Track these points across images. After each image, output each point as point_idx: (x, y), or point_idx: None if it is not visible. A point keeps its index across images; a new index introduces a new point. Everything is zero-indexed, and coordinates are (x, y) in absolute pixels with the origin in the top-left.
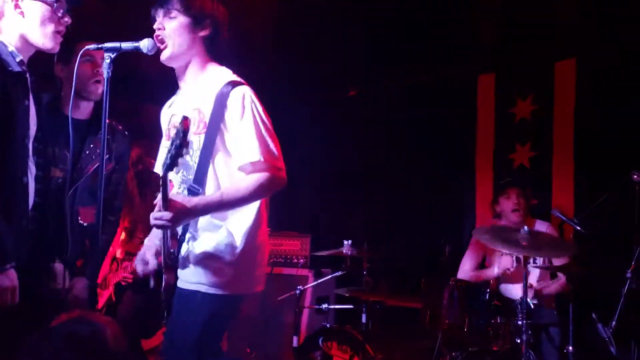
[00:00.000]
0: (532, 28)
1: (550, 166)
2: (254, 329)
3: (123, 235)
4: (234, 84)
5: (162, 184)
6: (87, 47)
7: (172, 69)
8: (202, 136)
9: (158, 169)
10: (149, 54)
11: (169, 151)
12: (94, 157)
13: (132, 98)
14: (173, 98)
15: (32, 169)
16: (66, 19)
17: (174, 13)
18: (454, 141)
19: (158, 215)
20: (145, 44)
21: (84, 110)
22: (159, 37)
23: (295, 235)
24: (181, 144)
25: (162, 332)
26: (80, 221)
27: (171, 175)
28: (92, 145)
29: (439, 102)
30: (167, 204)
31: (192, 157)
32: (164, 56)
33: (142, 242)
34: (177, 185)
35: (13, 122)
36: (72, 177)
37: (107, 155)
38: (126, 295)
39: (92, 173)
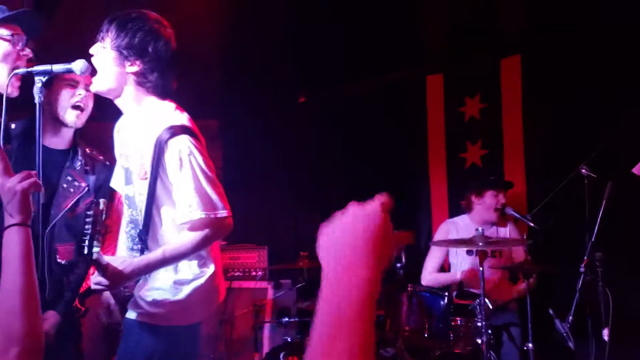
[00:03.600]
0: (476, 27)
1: (501, 163)
2: (215, 346)
3: None
4: (173, 132)
5: (93, 262)
6: (15, 71)
7: None
8: (146, 182)
9: (84, 248)
10: (82, 75)
11: (84, 235)
12: (72, 190)
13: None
14: (120, 122)
15: None
16: (26, 52)
17: (106, 42)
18: (407, 143)
19: (97, 280)
20: (77, 66)
21: (63, 138)
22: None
23: (251, 247)
24: (93, 233)
25: None
26: (58, 260)
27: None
28: (69, 178)
29: (389, 104)
30: (105, 271)
31: (140, 200)
32: (92, 87)
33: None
34: (126, 223)
35: None
36: (49, 212)
37: (87, 188)
38: (89, 316)
39: (69, 208)
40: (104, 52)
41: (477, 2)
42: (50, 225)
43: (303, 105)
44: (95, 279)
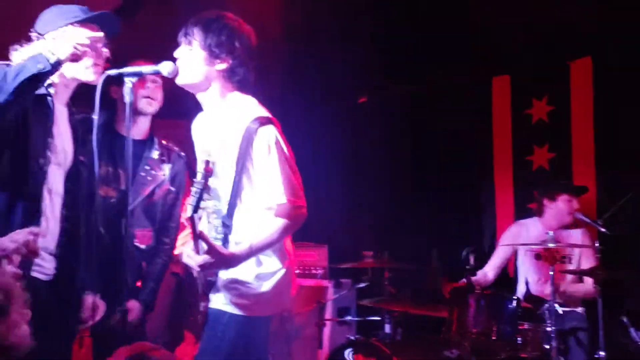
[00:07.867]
0: (544, 28)
1: (570, 167)
2: (276, 343)
3: None
4: (261, 122)
5: (192, 224)
6: (107, 72)
7: None
8: (232, 170)
9: (188, 210)
10: (170, 77)
11: (193, 195)
12: (149, 178)
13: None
14: (200, 116)
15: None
16: (105, 51)
17: (193, 44)
18: (472, 145)
19: (200, 261)
20: (165, 68)
21: (140, 129)
22: (177, 65)
23: (311, 245)
24: (203, 188)
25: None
26: (136, 243)
27: (203, 203)
28: (147, 167)
29: (454, 106)
30: (211, 249)
31: (223, 190)
32: (178, 82)
33: None
34: (208, 215)
35: (26, 143)
36: (127, 199)
37: (163, 176)
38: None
39: (147, 195)
40: (192, 53)
41: (547, 2)
42: (129, 211)
43: (364, 105)
44: (196, 258)
